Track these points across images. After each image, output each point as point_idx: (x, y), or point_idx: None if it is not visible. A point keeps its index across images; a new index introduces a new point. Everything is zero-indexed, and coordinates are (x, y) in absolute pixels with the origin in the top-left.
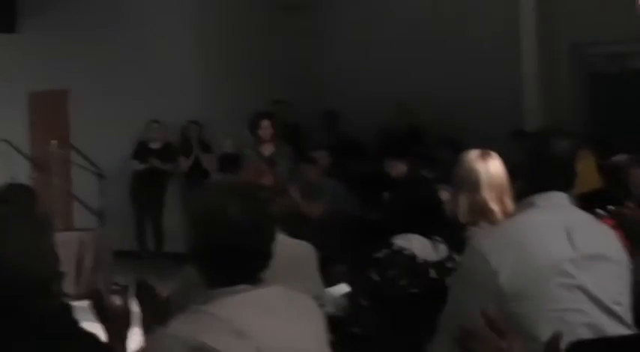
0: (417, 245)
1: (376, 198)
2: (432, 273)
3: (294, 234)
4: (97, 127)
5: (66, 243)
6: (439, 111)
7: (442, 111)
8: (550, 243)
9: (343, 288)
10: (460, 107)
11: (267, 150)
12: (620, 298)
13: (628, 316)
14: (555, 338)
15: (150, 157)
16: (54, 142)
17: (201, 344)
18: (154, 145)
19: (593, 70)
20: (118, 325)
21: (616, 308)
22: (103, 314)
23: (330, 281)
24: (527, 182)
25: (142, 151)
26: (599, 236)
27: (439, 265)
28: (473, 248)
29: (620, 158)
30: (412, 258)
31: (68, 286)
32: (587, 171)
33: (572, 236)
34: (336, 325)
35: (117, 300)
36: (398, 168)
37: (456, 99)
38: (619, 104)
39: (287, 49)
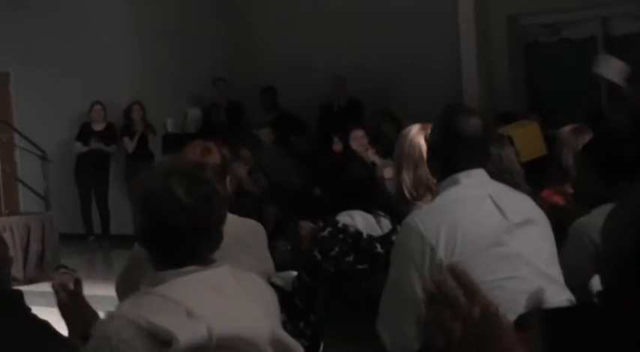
0: (361, 221)
1: (319, 174)
2: (378, 248)
3: (241, 212)
4: (39, 110)
5: (12, 228)
6: (378, 84)
7: (381, 85)
8: (482, 215)
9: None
10: (399, 80)
11: None
12: (553, 259)
13: (561, 277)
14: (535, 295)
15: (93, 139)
16: None
17: (151, 325)
18: (97, 127)
19: (529, 40)
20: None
21: (552, 269)
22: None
23: (274, 259)
24: (442, 161)
25: (85, 133)
26: (522, 203)
27: (384, 239)
28: (408, 225)
29: (566, 128)
30: (357, 234)
31: (16, 271)
32: (532, 139)
33: (500, 206)
34: (286, 299)
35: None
36: (339, 144)
37: (395, 72)
38: (555, 73)
39: (225, 26)
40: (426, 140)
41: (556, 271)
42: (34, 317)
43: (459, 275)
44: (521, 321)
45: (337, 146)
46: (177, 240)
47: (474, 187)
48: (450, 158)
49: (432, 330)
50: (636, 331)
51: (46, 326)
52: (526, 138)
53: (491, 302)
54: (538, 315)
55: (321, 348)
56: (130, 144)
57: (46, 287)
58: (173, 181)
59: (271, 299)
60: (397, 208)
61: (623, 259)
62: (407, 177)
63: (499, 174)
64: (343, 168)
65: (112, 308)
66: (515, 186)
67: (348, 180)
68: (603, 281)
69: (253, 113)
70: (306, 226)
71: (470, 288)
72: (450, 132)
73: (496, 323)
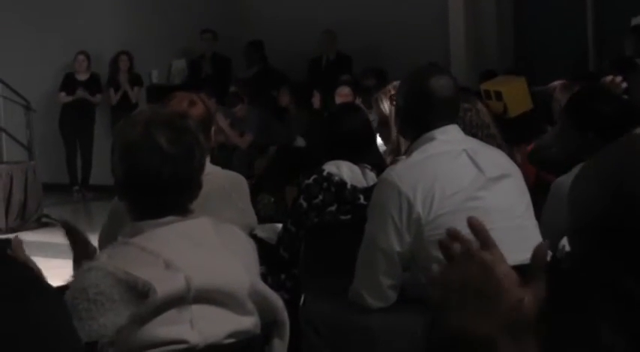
0: (346, 171)
1: (307, 125)
2: (362, 199)
3: (224, 164)
4: (23, 59)
5: None
6: (367, 40)
7: (370, 41)
8: (459, 170)
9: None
10: (388, 36)
11: None
12: (529, 213)
13: (537, 232)
14: (541, 247)
15: (77, 89)
16: None
17: (129, 276)
18: (81, 77)
19: None
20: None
21: (527, 223)
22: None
23: (258, 212)
24: (414, 121)
25: (69, 83)
26: (498, 158)
27: (368, 191)
28: (385, 180)
29: (555, 83)
30: (341, 183)
31: None
32: (521, 94)
33: (476, 161)
34: (268, 252)
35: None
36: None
37: (384, 27)
38: (543, 29)
39: None
40: (392, 101)
41: (532, 225)
42: (19, 267)
43: (475, 226)
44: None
45: (316, 101)
46: (158, 189)
47: (450, 143)
48: (422, 117)
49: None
50: (601, 297)
51: (31, 276)
52: (514, 94)
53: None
54: (544, 266)
55: (302, 300)
56: (114, 96)
57: (28, 236)
58: (155, 130)
59: (251, 251)
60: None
61: (594, 224)
62: (392, 135)
63: (473, 130)
64: (339, 118)
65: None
66: (489, 141)
67: (345, 131)
68: (571, 244)
69: (240, 67)
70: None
71: (485, 241)
72: (421, 91)
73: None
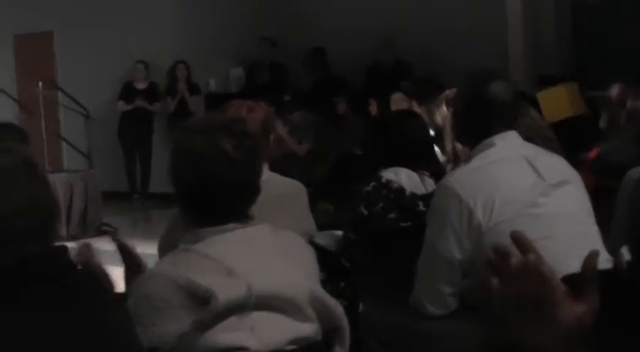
0: (405, 178)
1: (367, 132)
2: (421, 206)
3: (282, 172)
4: (83, 68)
5: (55, 185)
6: (425, 46)
7: (428, 47)
8: (519, 176)
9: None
10: (446, 42)
11: None
12: (590, 218)
13: (599, 237)
14: (591, 257)
15: (136, 98)
16: (40, 84)
17: (191, 283)
18: (140, 86)
19: (575, 0)
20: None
21: (589, 229)
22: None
23: (316, 219)
24: (473, 127)
25: (127, 92)
26: (557, 163)
27: (427, 198)
28: (445, 187)
29: (614, 89)
30: (400, 190)
31: (59, 228)
32: (558, 101)
33: (536, 167)
34: (327, 259)
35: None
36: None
37: (442, 33)
38: (602, 34)
39: None
40: (448, 107)
41: (593, 231)
42: (81, 271)
43: (517, 238)
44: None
45: (373, 108)
46: (221, 194)
47: (509, 149)
48: (480, 123)
49: (484, 294)
50: None
51: (94, 282)
52: (551, 100)
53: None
54: (595, 277)
55: (360, 308)
56: (171, 104)
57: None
58: (218, 136)
59: (310, 257)
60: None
61: None
62: (447, 146)
63: (530, 135)
64: (397, 125)
65: (152, 266)
66: (546, 147)
67: (403, 138)
68: (631, 252)
69: (297, 74)
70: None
71: (528, 250)
72: (480, 97)
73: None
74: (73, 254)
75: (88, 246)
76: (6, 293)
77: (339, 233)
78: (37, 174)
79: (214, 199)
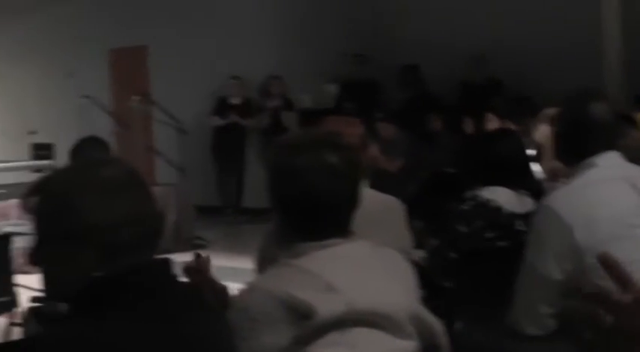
0: (503, 197)
1: (455, 152)
2: (519, 225)
3: (372, 189)
4: (177, 83)
5: None
6: (517, 64)
7: (520, 65)
8: (620, 197)
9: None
10: (538, 60)
11: None
12: None
13: None
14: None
15: (230, 113)
16: (135, 98)
17: (291, 297)
18: (234, 101)
19: None
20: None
21: None
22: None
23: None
24: (574, 147)
25: (221, 107)
26: None
27: (526, 217)
28: (545, 207)
29: None
30: (498, 209)
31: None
32: None
33: (638, 188)
34: (424, 276)
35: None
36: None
37: (534, 52)
38: None
39: (365, 2)
40: (553, 126)
41: None
42: (184, 285)
43: (610, 264)
44: None
45: (468, 126)
46: (326, 209)
47: (610, 169)
48: (581, 144)
49: (581, 320)
50: None
51: (196, 295)
52: None
53: None
54: None
55: (455, 326)
56: (265, 120)
57: (181, 258)
58: (325, 150)
59: (410, 274)
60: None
61: None
62: (546, 164)
63: (631, 156)
64: (494, 143)
65: (245, 280)
66: None
67: (501, 157)
68: None
69: (390, 91)
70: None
71: (622, 278)
72: (580, 118)
73: None
74: (178, 266)
75: (206, 259)
76: (109, 304)
77: (433, 249)
78: (142, 186)
79: (319, 214)
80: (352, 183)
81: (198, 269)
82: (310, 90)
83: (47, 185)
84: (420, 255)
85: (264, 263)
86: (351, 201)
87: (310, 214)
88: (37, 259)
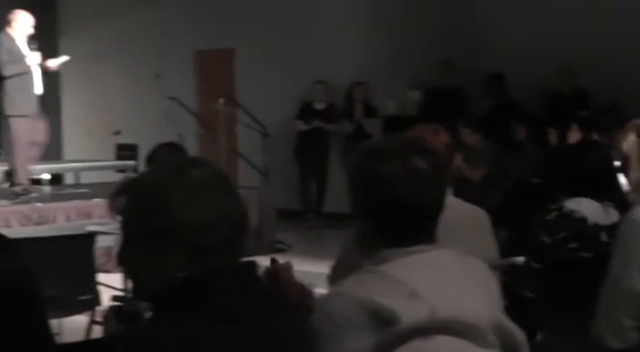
0: (588, 208)
1: (539, 162)
2: (604, 237)
3: (458, 197)
4: (262, 86)
5: None
6: (605, 73)
7: (608, 74)
8: None
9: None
10: (626, 72)
11: None
12: None
13: None
14: None
15: (314, 118)
16: (221, 100)
17: (375, 303)
18: (319, 106)
19: None
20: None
21: None
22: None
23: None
24: None
25: (306, 112)
26: None
27: (611, 229)
28: (633, 220)
29: None
30: (583, 221)
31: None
32: None
33: None
34: (508, 288)
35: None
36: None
37: (622, 63)
38: None
39: (452, 9)
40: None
41: None
42: (269, 288)
43: None
44: None
45: (553, 137)
46: (413, 214)
47: None
48: None
49: None
50: None
51: (280, 296)
52: None
53: None
54: None
55: (538, 338)
56: (349, 126)
57: (262, 261)
58: (413, 154)
59: (493, 284)
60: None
61: None
62: (633, 176)
63: None
64: (584, 155)
65: (324, 285)
66: None
67: (587, 168)
68: None
69: (475, 99)
70: None
71: None
72: None
73: None
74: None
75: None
76: (193, 305)
77: (518, 259)
78: (230, 188)
79: (405, 219)
80: (439, 188)
81: (276, 274)
82: (395, 97)
83: (136, 185)
84: (503, 264)
85: (345, 268)
86: (437, 207)
87: (396, 220)
88: (123, 259)
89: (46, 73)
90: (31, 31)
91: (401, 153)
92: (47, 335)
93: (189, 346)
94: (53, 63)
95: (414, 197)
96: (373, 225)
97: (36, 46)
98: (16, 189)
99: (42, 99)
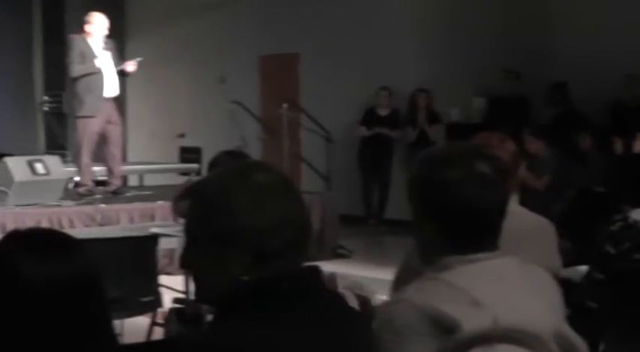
0: None
1: (604, 171)
2: None
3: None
4: (325, 91)
5: None
6: None
7: None
8: None
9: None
10: None
11: None
12: None
13: None
14: None
15: (377, 124)
16: (285, 105)
17: (437, 311)
18: (382, 112)
19: None
20: None
21: None
22: None
23: None
24: None
25: (369, 117)
26: None
27: None
28: None
29: None
30: None
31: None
32: None
33: None
34: (570, 297)
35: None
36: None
37: None
38: None
39: (517, 17)
40: None
41: None
42: (332, 293)
43: None
44: None
45: (617, 146)
46: (476, 220)
47: None
48: None
49: None
50: None
51: (344, 302)
52: None
53: None
54: None
55: (600, 348)
56: (412, 133)
57: (324, 266)
58: (476, 160)
59: (556, 293)
60: None
61: None
62: None
63: None
64: None
65: (385, 291)
66: None
67: None
68: None
69: (539, 107)
70: None
71: None
72: None
73: None
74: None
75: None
76: (255, 309)
77: (583, 268)
78: (293, 192)
79: (468, 226)
80: (502, 195)
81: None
82: (458, 104)
83: (200, 188)
84: (567, 274)
85: (408, 275)
86: (499, 213)
87: (458, 226)
88: (186, 261)
89: (124, 75)
90: (106, 32)
91: (464, 159)
92: (111, 335)
93: (252, 351)
94: (130, 65)
95: (476, 202)
96: (435, 232)
97: (110, 46)
98: (81, 190)
99: (115, 101)
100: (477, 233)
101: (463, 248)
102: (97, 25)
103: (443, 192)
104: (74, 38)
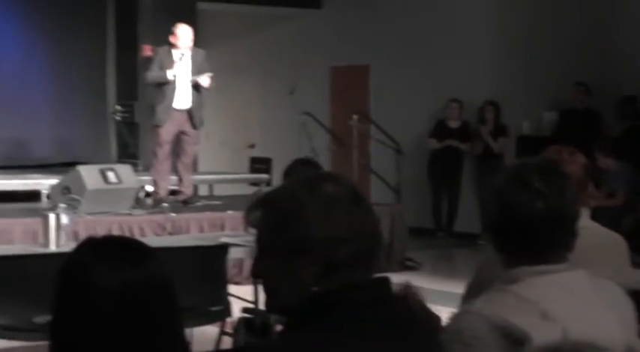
0: None
1: None
2: None
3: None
4: (396, 103)
5: None
6: None
7: None
8: None
9: None
10: None
11: None
12: None
13: None
14: None
15: (448, 136)
16: (355, 117)
17: (506, 323)
18: (453, 124)
19: None
20: None
21: None
22: None
23: None
24: None
25: (440, 129)
26: None
27: None
28: None
29: None
30: None
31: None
32: None
33: None
34: None
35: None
36: None
37: None
38: None
39: (590, 31)
40: None
41: None
42: (402, 305)
43: None
44: None
45: None
46: (530, 230)
47: None
48: None
49: None
50: None
51: (414, 314)
52: None
53: None
54: None
55: None
56: (479, 146)
57: (394, 278)
58: (526, 172)
59: (629, 308)
60: None
61: None
62: None
63: None
64: None
65: (453, 304)
66: None
67: None
68: None
69: (609, 121)
70: None
71: None
72: None
73: None
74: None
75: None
76: (326, 320)
77: None
78: (364, 203)
79: (538, 239)
80: (556, 205)
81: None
82: (529, 117)
83: (271, 198)
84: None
85: (480, 288)
86: (560, 224)
87: (519, 239)
88: (257, 271)
89: (197, 89)
90: (190, 44)
91: (535, 175)
92: (184, 344)
93: None
94: (204, 80)
95: (525, 212)
96: (505, 245)
97: (196, 58)
98: (153, 198)
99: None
100: (546, 246)
101: (532, 260)
102: (181, 36)
103: (498, 205)
104: (157, 49)
